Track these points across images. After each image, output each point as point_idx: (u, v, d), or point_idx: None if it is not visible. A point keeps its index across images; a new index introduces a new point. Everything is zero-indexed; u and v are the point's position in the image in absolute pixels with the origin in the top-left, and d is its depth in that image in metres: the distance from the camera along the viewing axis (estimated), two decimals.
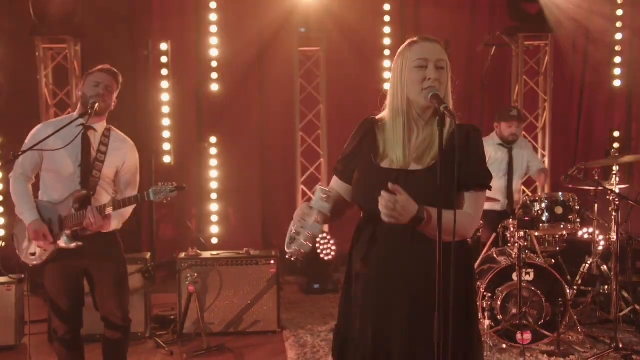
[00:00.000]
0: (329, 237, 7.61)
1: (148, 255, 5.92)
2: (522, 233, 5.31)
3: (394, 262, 2.56)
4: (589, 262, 6.22)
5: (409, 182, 2.51)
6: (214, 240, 8.29)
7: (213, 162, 8.28)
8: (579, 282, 6.16)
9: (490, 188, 2.66)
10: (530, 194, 7.85)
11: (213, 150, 8.28)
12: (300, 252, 2.53)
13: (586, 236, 6.82)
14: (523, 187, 7.87)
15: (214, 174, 8.27)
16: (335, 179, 2.82)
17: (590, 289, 6.13)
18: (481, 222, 6.07)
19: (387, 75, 8.44)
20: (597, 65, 8.76)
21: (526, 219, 5.19)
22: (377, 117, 2.73)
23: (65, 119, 4.06)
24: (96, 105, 3.91)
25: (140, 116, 7.84)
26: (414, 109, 2.60)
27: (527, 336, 5.18)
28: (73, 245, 3.95)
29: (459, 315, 2.48)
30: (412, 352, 2.52)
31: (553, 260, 6.00)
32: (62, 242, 3.97)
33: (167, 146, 7.90)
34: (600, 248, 6.30)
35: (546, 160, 8.21)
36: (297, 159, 8.30)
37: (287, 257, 2.60)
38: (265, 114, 8.68)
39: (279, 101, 8.52)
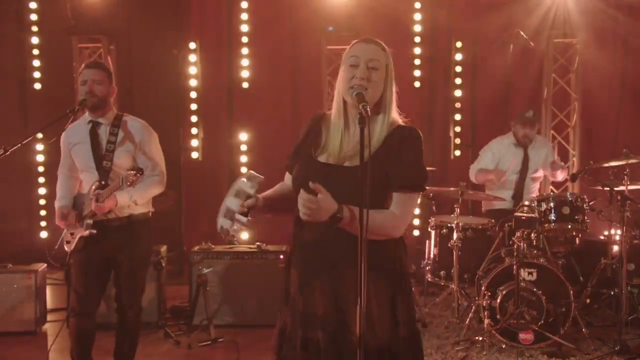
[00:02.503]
0: None
1: (163, 248, 6.11)
2: (519, 233, 5.23)
3: (320, 255, 2.60)
4: (603, 264, 6.09)
5: (340, 178, 2.56)
6: (244, 235, 8.43)
7: (243, 159, 8.43)
8: (594, 283, 6.03)
9: (424, 189, 2.67)
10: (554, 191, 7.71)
11: (243, 147, 8.43)
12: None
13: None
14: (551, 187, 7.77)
15: (244, 170, 8.42)
16: (287, 174, 2.91)
17: (604, 290, 6.01)
18: (492, 220, 6.03)
19: (416, 73, 8.42)
20: (638, 62, 8.48)
21: (523, 218, 5.12)
22: (327, 112, 2.79)
23: (81, 121, 4.32)
24: (85, 102, 4.12)
25: (171, 113, 8.07)
26: (349, 107, 2.66)
27: (529, 336, 5.13)
28: (87, 232, 4.16)
29: (382, 313, 2.53)
30: (335, 345, 2.55)
31: (564, 261, 5.91)
32: (81, 229, 4.21)
33: (195, 142, 8.11)
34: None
35: (575, 160, 8.05)
36: None
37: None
38: (295, 111, 8.77)
39: (308, 99, 8.57)
